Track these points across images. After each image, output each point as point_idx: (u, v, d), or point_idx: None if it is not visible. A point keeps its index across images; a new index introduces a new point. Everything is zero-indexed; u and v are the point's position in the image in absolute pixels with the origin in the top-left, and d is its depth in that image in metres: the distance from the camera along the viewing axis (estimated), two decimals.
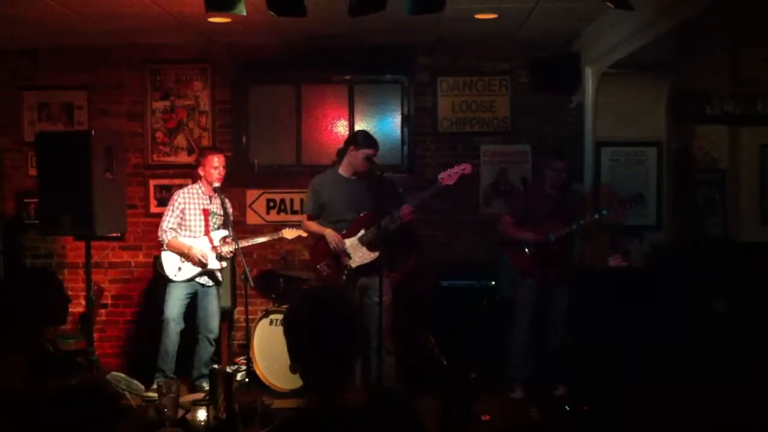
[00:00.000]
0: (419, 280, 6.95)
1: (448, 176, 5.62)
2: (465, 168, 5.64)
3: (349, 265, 5.72)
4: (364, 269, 5.70)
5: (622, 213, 6.46)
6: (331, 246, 5.73)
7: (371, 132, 6.02)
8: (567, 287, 6.20)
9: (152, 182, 7.76)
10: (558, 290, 6.19)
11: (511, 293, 6.36)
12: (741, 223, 7.58)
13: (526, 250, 6.13)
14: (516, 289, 6.29)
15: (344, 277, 5.71)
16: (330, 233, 5.74)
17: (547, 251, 6.08)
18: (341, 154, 6.08)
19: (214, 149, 6.60)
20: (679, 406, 4.91)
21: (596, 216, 6.06)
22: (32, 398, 2.03)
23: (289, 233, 6.53)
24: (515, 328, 6.25)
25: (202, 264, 6.23)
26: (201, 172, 6.33)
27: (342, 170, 5.84)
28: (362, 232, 5.70)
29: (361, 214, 5.71)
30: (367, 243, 5.68)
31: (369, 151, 5.67)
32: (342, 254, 5.72)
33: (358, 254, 5.71)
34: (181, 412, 5.11)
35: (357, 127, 7.61)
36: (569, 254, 6.35)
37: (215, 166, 6.28)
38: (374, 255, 5.66)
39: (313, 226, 5.90)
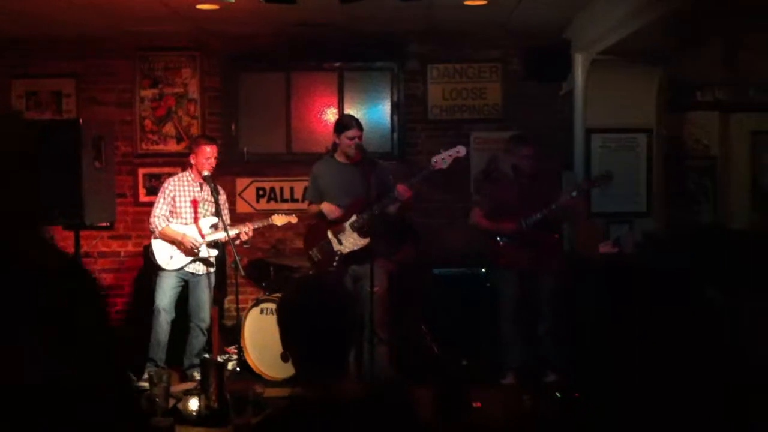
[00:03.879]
0: (412, 269, 6.94)
1: (441, 160, 5.51)
2: (459, 150, 5.53)
3: (340, 251, 5.71)
4: (357, 256, 5.67)
5: (585, 195, 6.35)
6: (329, 217, 5.72)
7: (361, 119, 5.95)
8: (552, 274, 6.16)
9: (141, 171, 7.73)
10: (542, 278, 6.13)
11: (494, 283, 6.35)
12: (731, 210, 7.60)
13: (499, 239, 6.12)
14: (497, 280, 6.28)
15: (335, 263, 5.70)
16: (326, 206, 5.74)
17: (524, 240, 6.05)
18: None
19: (208, 139, 6.47)
20: (672, 395, 4.91)
21: (568, 198, 5.98)
22: (28, 394, 2.01)
23: (279, 219, 6.49)
24: (500, 319, 6.24)
25: (193, 253, 6.20)
26: (192, 160, 6.29)
27: (338, 156, 5.84)
28: (354, 217, 5.68)
29: (353, 200, 5.69)
30: (358, 229, 5.66)
31: (350, 132, 5.66)
32: (336, 231, 5.71)
33: (350, 240, 5.69)
34: (172, 402, 5.10)
35: None
36: (554, 241, 6.33)
37: (207, 156, 6.24)
38: (365, 241, 5.64)
39: (314, 208, 5.90)
